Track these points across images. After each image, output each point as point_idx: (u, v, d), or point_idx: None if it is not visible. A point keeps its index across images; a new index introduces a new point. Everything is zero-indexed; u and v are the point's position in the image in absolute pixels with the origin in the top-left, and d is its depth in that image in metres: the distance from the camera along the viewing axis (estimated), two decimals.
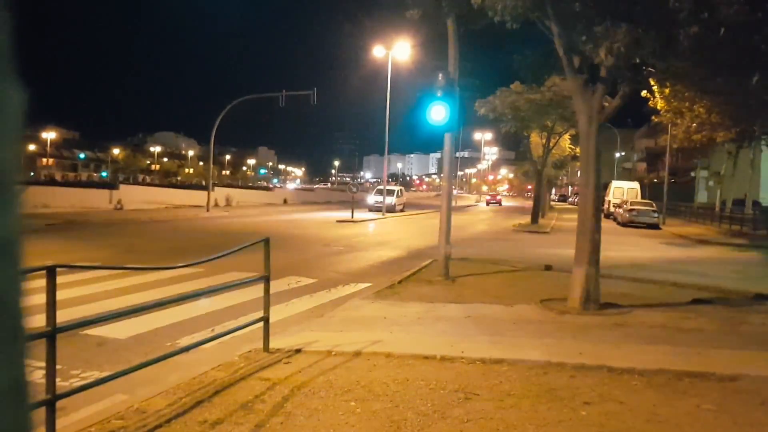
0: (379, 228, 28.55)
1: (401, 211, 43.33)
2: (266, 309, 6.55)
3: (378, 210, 38.02)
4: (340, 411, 4.83)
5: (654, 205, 35.91)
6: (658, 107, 28.11)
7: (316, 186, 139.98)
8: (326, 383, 5.48)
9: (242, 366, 5.96)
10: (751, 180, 39.23)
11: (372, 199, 42.61)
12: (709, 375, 6.03)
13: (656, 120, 31.65)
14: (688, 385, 5.78)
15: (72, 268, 10.80)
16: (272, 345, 6.55)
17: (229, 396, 5.11)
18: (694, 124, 29.16)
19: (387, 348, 6.65)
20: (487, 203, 77.33)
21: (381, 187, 44.13)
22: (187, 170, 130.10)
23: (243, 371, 5.79)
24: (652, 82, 20.48)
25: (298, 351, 6.50)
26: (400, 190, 46.67)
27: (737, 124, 27.46)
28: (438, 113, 11.53)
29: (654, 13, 8.12)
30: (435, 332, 7.63)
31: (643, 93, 25.73)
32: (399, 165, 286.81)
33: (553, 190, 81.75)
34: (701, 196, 53.20)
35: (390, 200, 40.70)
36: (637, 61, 8.73)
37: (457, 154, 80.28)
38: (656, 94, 26.74)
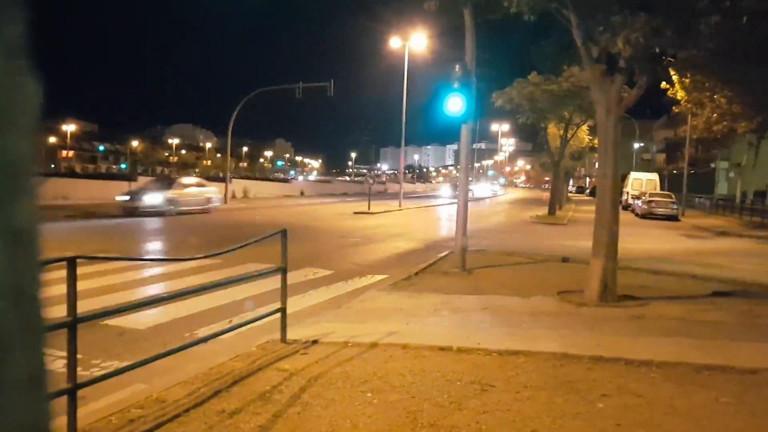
0: (396, 220, 28.55)
1: (180, 214, 25.75)
2: (283, 300, 6.58)
3: (131, 214, 24.18)
4: (357, 402, 4.85)
5: (673, 196, 35.57)
6: (678, 97, 27.76)
7: (338, 178, 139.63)
8: (343, 374, 5.51)
9: (260, 356, 6.00)
10: None
11: (123, 197, 25.92)
12: (728, 368, 5.97)
13: (676, 110, 31.23)
14: (707, 377, 5.74)
15: (92, 259, 10.92)
16: (289, 336, 6.58)
17: (246, 386, 5.15)
18: (715, 115, 28.77)
19: (403, 339, 6.66)
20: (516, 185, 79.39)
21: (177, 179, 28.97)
22: (204, 162, 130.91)
23: (260, 362, 5.83)
24: (672, 72, 20.25)
25: (315, 342, 6.54)
26: (199, 182, 30.18)
27: (759, 114, 27.05)
28: (455, 104, 11.49)
29: (673, 1, 8.01)
30: (451, 324, 7.63)
31: (663, 83, 25.45)
32: (416, 156, 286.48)
33: (571, 182, 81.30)
34: (721, 188, 52.62)
35: (154, 199, 24.97)
36: (656, 50, 8.63)
37: (474, 146, 79.96)
38: (676, 85, 26.42)
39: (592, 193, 51.48)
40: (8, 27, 0.58)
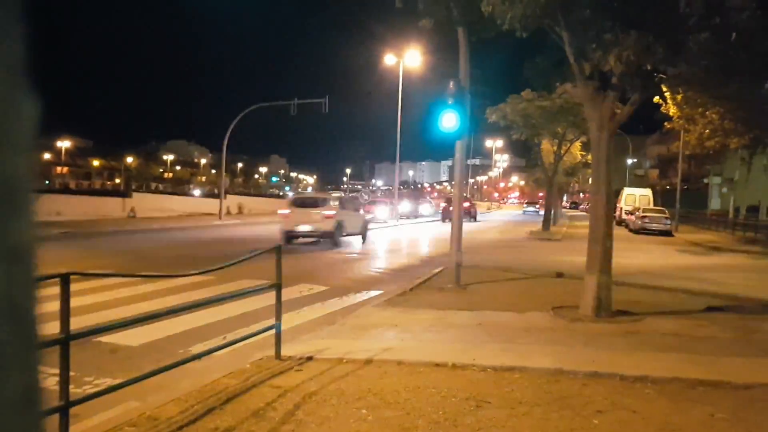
0: (392, 236, 28.54)
1: None
2: (278, 316, 6.56)
3: None
4: (352, 419, 4.83)
5: (666, 212, 35.71)
6: (670, 113, 27.95)
7: (333, 194, 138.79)
8: (337, 391, 5.48)
9: (254, 373, 5.97)
10: (765, 186, 38.96)
11: None
12: (723, 383, 5.97)
13: (668, 126, 31.43)
14: (702, 393, 5.73)
15: (85, 275, 10.84)
16: (284, 352, 6.55)
17: (240, 403, 5.12)
18: (707, 131, 28.95)
19: (398, 355, 6.64)
20: (523, 211, 71.74)
21: None
22: (199, 178, 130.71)
23: (254, 379, 5.80)
24: (664, 89, 20.40)
25: (309, 358, 6.51)
26: None
27: (751, 130, 27.24)
28: (449, 121, 11.54)
29: (664, 19, 8.09)
30: (446, 340, 7.61)
31: (655, 99, 25.62)
32: (410, 172, 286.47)
33: (565, 197, 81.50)
34: (714, 203, 52.86)
35: None
36: (648, 67, 8.70)
37: (468, 162, 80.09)
38: (668, 101, 26.61)
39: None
40: (7, 45, 0.58)
